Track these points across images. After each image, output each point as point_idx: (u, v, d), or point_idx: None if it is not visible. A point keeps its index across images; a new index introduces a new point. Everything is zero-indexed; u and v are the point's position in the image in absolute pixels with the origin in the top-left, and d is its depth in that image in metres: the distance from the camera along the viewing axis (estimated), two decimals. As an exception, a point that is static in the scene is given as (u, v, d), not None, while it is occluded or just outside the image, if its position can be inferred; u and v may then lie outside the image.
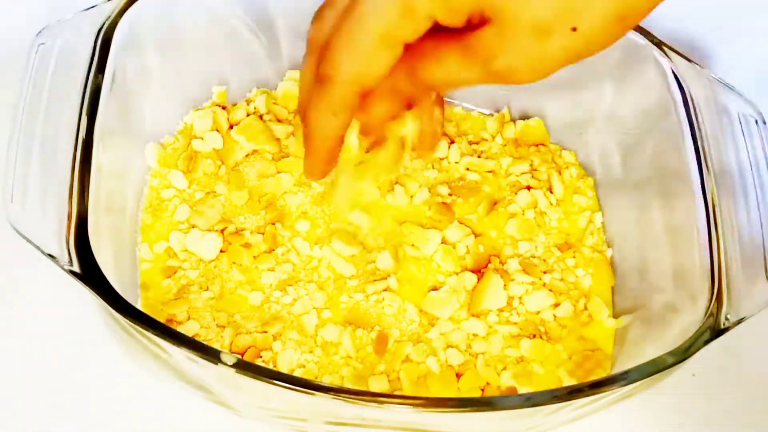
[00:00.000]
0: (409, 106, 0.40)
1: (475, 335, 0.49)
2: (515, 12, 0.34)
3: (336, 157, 0.41)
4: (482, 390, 0.47)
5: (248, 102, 0.58)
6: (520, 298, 0.51)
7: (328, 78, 0.37)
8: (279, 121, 0.57)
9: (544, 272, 0.52)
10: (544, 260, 0.53)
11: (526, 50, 0.34)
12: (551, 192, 0.56)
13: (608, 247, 0.54)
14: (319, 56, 0.37)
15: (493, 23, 0.34)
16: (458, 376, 0.48)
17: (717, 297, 0.43)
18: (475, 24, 0.35)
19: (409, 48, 0.36)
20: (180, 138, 0.55)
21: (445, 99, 0.59)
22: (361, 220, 0.52)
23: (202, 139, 0.55)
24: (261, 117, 0.56)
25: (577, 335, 0.50)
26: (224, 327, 0.48)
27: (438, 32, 0.36)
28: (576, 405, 0.41)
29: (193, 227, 0.51)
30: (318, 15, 0.39)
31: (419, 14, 0.34)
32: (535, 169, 0.57)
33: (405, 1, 0.34)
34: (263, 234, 0.51)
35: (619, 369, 0.46)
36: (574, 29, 0.34)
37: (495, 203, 0.55)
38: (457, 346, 0.49)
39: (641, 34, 0.51)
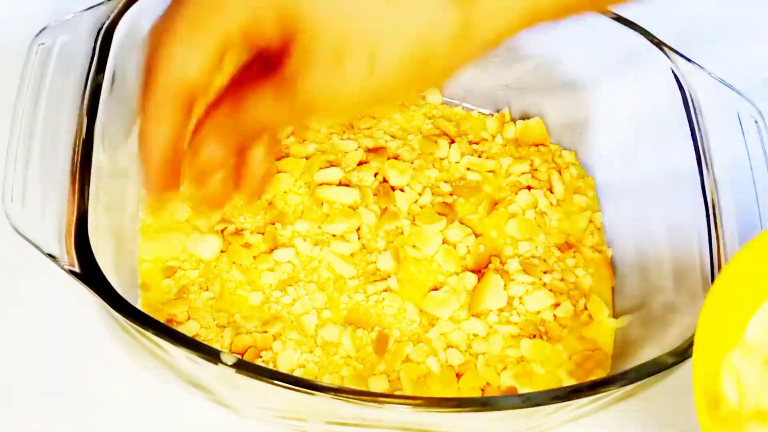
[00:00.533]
0: (240, 151, 0.39)
1: (475, 335, 0.49)
2: (318, 25, 0.33)
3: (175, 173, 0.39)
4: (482, 390, 0.47)
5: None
6: (520, 298, 0.51)
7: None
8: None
9: (545, 272, 0.52)
10: (544, 260, 0.53)
11: (324, 75, 0.34)
12: (551, 192, 0.56)
13: (608, 247, 0.54)
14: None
15: (298, 40, 0.34)
16: (458, 376, 0.48)
17: (717, 297, 0.43)
18: (279, 57, 0.34)
19: (236, 87, 0.36)
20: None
21: (446, 98, 0.59)
22: (368, 217, 0.52)
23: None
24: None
25: (577, 335, 0.50)
26: (224, 327, 0.48)
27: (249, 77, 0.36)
28: (576, 405, 0.41)
29: (193, 227, 0.51)
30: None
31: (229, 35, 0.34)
32: (536, 169, 0.57)
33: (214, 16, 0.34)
34: (263, 234, 0.51)
35: (619, 369, 0.46)
36: (371, 60, 0.33)
37: (495, 203, 0.55)
38: (457, 346, 0.49)
39: (641, 34, 0.51)
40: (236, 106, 0.36)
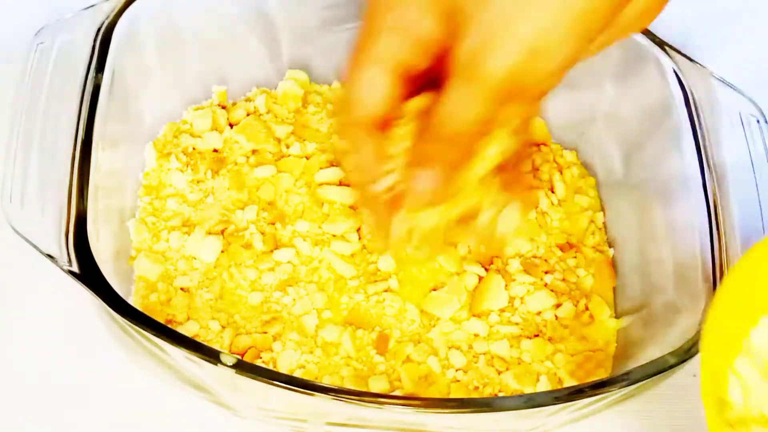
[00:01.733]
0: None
1: (476, 335, 0.49)
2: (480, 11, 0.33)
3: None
4: (484, 390, 0.47)
5: (248, 101, 0.58)
6: (521, 298, 0.51)
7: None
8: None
9: (546, 272, 0.52)
10: (545, 260, 0.53)
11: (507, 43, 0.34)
12: (553, 192, 0.56)
13: (610, 247, 0.54)
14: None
15: (464, 32, 0.34)
16: (459, 376, 0.48)
17: (719, 297, 0.43)
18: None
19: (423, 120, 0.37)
20: (180, 137, 0.55)
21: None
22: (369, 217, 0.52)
23: (201, 138, 0.55)
24: (260, 116, 0.56)
25: (578, 336, 0.50)
26: (224, 327, 0.48)
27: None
28: (577, 406, 0.41)
29: (193, 227, 0.51)
30: None
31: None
32: (537, 169, 0.57)
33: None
34: (263, 234, 0.51)
35: (620, 370, 0.46)
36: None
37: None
38: (458, 346, 0.49)
39: (643, 33, 0.51)
40: (433, 121, 0.37)
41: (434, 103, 0.37)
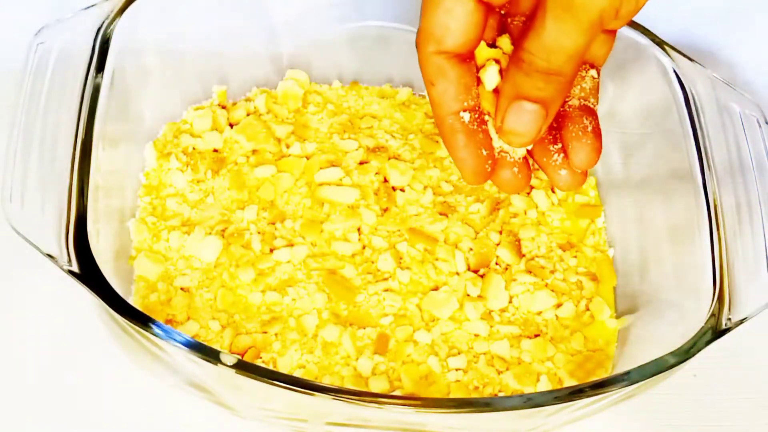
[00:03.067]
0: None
1: (476, 335, 0.49)
2: None
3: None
4: (484, 390, 0.47)
5: (248, 101, 0.58)
6: (521, 298, 0.51)
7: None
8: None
9: (547, 272, 0.52)
10: (545, 260, 0.52)
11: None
12: (553, 192, 0.56)
13: (610, 247, 0.54)
14: None
15: None
16: (459, 376, 0.48)
17: (719, 297, 0.43)
18: None
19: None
20: (180, 137, 0.55)
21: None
22: (369, 217, 0.52)
23: (201, 138, 0.55)
24: (260, 116, 0.56)
25: (578, 336, 0.50)
26: (224, 327, 0.48)
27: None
28: (577, 406, 0.41)
29: (193, 227, 0.51)
30: None
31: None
32: (537, 169, 0.57)
33: None
34: (263, 234, 0.51)
35: (620, 369, 0.46)
36: None
37: (497, 203, 0.55)
38: (458, 346, 0.49)
39: (643, 33, 0.51)
40: (529, 56, 0.37)
41: (526, 38, 0.37)
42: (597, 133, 0.40)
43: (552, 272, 0.52)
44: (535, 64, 0.37)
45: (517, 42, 0.38)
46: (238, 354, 0.46)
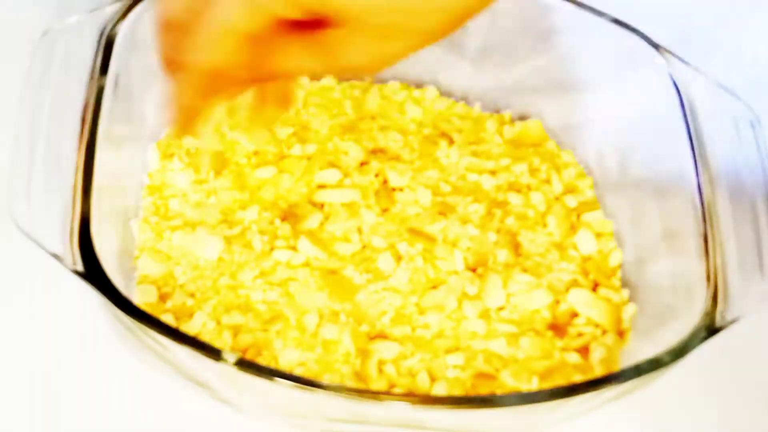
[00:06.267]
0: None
1: (474, 333, 0.50)
2: (360, 18, 0.36)
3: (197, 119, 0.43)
4: (481, 387, 0.48)
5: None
6: (519, 296, 0.51)
7: (185, 64, 0.40)
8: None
9: (544, 271, 0.52)
10: (543, 259, 0.53)
11: (371, 50, 0.37)
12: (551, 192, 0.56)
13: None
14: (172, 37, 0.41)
15: (340, 26, 0.36)
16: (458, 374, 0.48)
17: (713, 296, 0.43)
18: (320, 21, 0.37)
19: (258, 40, 0.38)
20: (182, 138, 0.55)
21: (445, 99, 0.60)
22: (368, 217, 0.53)
23: (202, 139, 0.55)
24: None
25: (575, 334, 0.50)
26: (226, 325, 0.48)
27: (287, 26, 0.38)
28: (573, 403, 0.42)
29: (195, 227, 0.51)
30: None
31: (261, 9, 0.37)
32: (535, 169, 0.57)
33: None
34: (264, 234, 0.52)
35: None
36: (416, 29, 0.36)
37: (495, 203, 0.55)
38: (456, 344, 0.49)
39: (638, 36, 0.52)
40: (261, 56, 0.39)
41: (275, 46, 0.38)
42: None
43: (549, 271, 0.52)
44: None
45: None
46: (239, 352, 0.47)
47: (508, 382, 0.48)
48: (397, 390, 0.47)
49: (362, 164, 0.56)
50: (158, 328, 0.40)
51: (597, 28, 0.53)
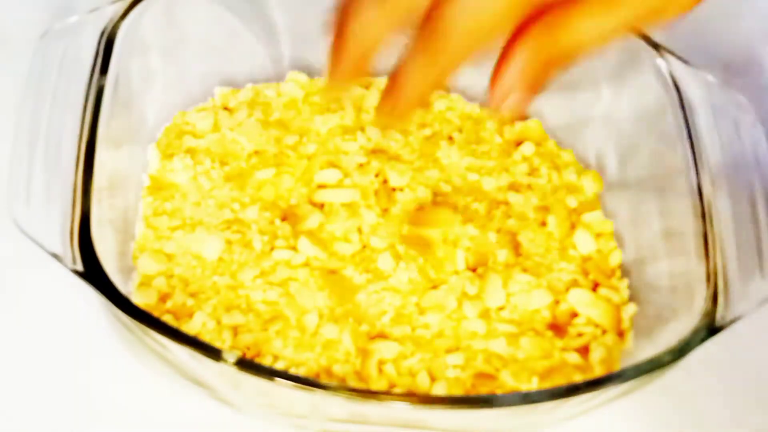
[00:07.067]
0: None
1: (474, 333, 0.50)
2: None
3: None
4: (481, 387, 0.48)
5: (250, 102, 0.58)
6: (519, 296, 0.51)
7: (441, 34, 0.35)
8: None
9: (544, 271, 0.52)
10: (543, 259, 0.53)
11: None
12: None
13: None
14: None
15: None
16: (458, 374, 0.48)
17: (713, 296, 0.44)
18: None
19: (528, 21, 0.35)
20: (182, 138, 0.55)
21: (445, 99, 0.60)
22: (368, 217, 0.53)
23: (203, 139, 0.55)
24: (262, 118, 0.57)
25: (575, 333, 0.50)
26: (226, 325, 0.48)
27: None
28: (573, 403, 0.42)
29: (194, 227, 0.52)
30: None
31: None
32: (535, 169, 0.57)
33: None
34: (264, 234, 0.52)
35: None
36: None
37: (495, 203, 0.55)
38: (456, 344, 0.49)
39: (638, 36, 0.52)
40: (548, 27, 0.35)
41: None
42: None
43: (550, 271, 0.52)
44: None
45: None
46: (239, 351, 0.47)
47: (508, 382, 0.48)
48: (397, 390, 0.47)
49: (362, 164, 0.56)
50: (158, 328, 0.40)
51: (597, 27, 0.53)
